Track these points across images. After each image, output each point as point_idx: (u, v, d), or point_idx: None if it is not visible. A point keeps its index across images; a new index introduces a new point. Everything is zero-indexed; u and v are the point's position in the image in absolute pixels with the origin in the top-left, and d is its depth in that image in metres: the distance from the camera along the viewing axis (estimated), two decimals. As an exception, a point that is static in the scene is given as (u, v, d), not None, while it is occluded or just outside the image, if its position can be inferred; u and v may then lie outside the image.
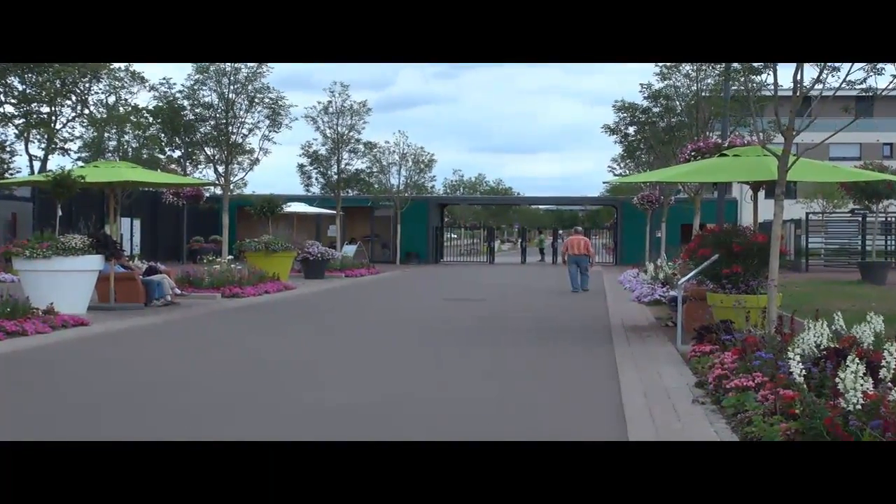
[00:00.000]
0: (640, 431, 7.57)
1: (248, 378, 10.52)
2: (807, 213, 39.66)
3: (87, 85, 41.90)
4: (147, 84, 40.24)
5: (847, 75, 11.17)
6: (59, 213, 23.90)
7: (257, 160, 29.94)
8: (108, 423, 8.03)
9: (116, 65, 40.70)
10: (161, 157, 36.60)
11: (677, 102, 31.30)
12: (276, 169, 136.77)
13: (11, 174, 39.19)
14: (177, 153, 33.88)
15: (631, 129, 35.31)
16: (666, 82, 31.02)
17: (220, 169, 29.08)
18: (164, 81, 31.53)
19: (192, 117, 30.06)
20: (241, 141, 29.37)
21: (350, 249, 39.65)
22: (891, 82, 11.70)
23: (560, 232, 73.87)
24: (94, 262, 17.45)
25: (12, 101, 40.83)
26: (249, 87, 29.02)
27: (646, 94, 32.50)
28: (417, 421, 8.23)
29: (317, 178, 40.54)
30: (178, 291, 20.40)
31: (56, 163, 41.61)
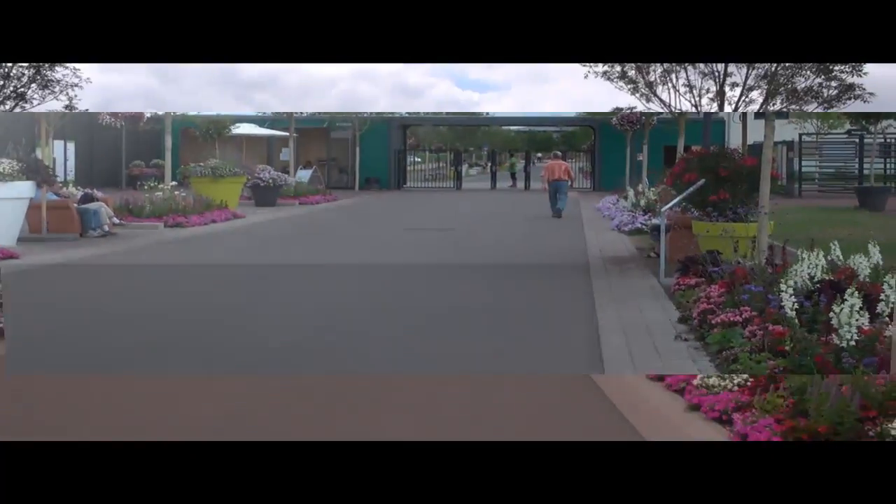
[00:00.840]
0: (617, 372, 7.64)
1: (187, 318, 10.49)
2: (800, 135, 39.67)
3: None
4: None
5: None
6: (-16, 135, 23.60)
7: None
8: (36, 361, 7.99)
9: None
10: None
11: None
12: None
13: None
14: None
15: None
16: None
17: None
18: None
19: None
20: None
21: (304, 175, 39.28)
22: None
23: (539, 155, 73.36)
24: (25, 189, 17.25)
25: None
26: None
27: None
28: (378, 357, 8.24)
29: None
30: (117, 221, 20.26)
31: None
